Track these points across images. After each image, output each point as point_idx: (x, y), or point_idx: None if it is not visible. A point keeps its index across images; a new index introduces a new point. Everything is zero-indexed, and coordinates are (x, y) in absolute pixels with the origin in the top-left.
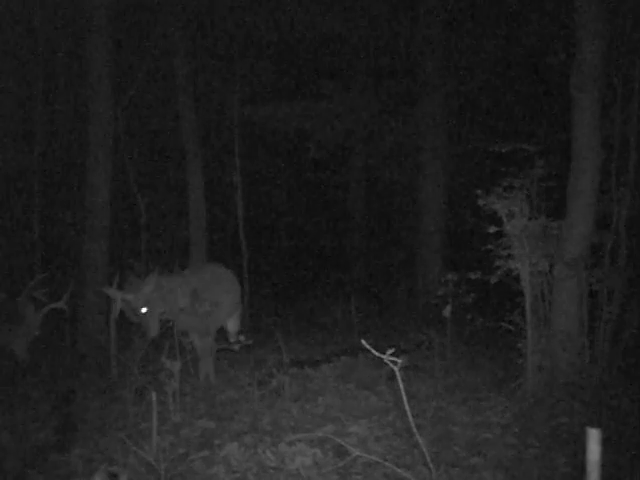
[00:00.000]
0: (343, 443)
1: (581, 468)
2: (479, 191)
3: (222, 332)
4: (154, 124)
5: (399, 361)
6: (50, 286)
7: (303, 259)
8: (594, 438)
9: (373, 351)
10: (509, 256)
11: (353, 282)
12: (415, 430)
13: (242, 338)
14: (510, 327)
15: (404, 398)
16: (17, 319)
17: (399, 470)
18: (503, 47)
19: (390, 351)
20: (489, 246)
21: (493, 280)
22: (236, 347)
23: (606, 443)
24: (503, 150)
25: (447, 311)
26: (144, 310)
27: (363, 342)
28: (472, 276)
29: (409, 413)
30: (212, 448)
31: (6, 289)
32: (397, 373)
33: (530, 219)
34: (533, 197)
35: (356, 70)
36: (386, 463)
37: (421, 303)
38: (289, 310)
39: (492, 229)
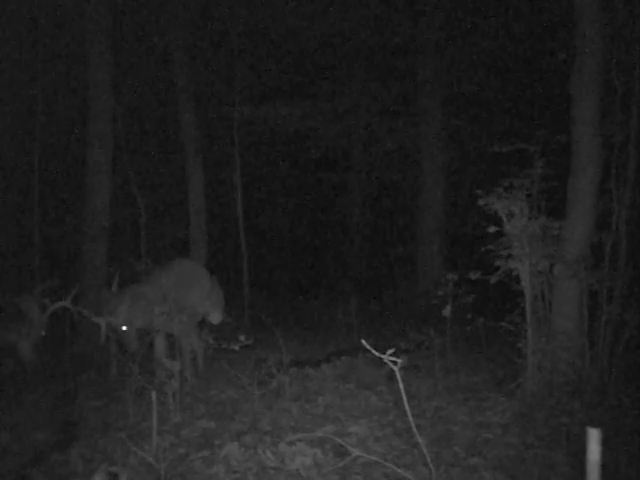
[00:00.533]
0: (343, 443)
1: (581, 468)
2: (479, 191)
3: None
4: (154, 124)
5: (399, 361)
6: (53, 288)
7: (303, 259)
8: (594, 438)
9: (373, 351)
10: (509, 256)
11: (353, 282)
12: (415, 430)
13: (242, 338)
14: (510, 327)
15: (404, 398)
16: (22, 319)
17: (399, 470)
18: (503, 47)
19: (390, 351)
20: (489, 246)
21: (493, 280)
22: (236, 347)
23: (606, 443)
24: (503, 150)
25: (447, 311)
26: (125, 328)
27: (363, 342)
28: (472, 276)
29: (409, 413)
30: (212, 448)
31: (8, 290)
32: (397, 373)
33: (530, 219)
34: (533, 197)
35: (356, 70)
36: (386, 463)
37: (421, 303)
38: (289, 310)
39: (492, 229)
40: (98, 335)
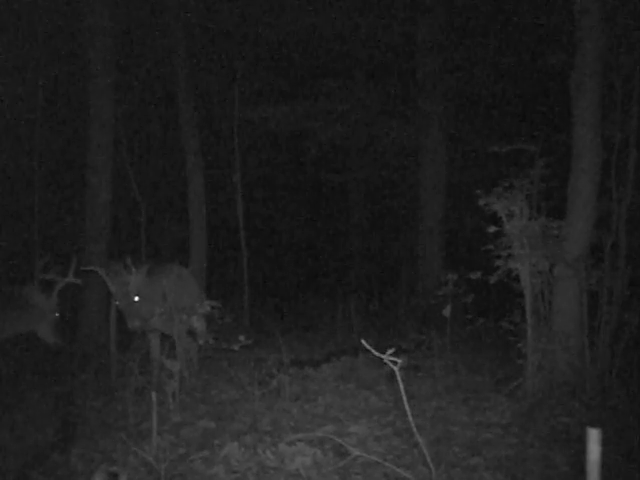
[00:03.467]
0: (343, 443)
1: (581, 468)
2: (479, 191)
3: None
4: (154, 124)
5: (399, 361)
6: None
7: (303, 259)
8: (594, 438)
9: (373, 351)
10: (509, 256)
11: (353, 282)
12: (415, 430)
13: (242, 338)
14: (510, 327)
15: (404, 398)
16: (28, 307)
17: (399, 470)
18: (503, 47)
19: (390, 351)
20: (489, 246)
21: (493, 280)
22: (236, 347)
23: (606, 443)
24: (503, 150)
25: (447, 311)
26: (137, 298)
27: (363, 342)
28: (472, 276)
29: (409, 413)
30: (212, 448)
31: (10, 284)
32: (397, 373)
33: (530, 219)
34: (533, 197)
35: (356, 70)
36: (386, 463)
37: (421, 303)
38: (289, 310)
39: (492, 229)
40: (101, 320)
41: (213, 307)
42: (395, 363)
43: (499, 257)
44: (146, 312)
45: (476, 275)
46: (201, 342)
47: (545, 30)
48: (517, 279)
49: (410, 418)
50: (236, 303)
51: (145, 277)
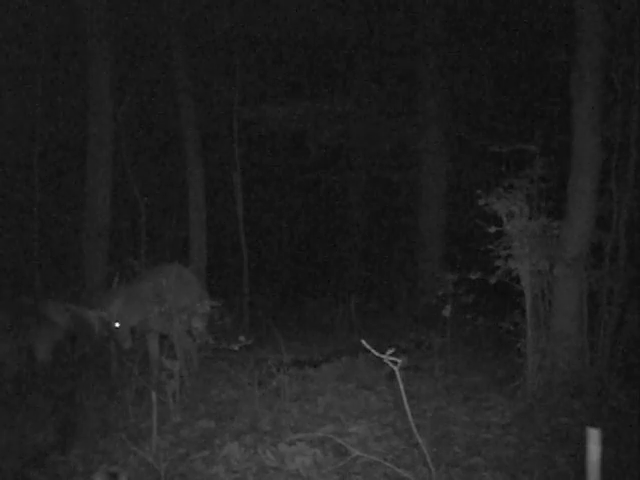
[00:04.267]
0: (343, 443)
1: (581, 468)
2: (479, 191)
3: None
4: (154, 123)
5: (399, 361)
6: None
7: (303, 259)
8: (594, 438)
9: (373, 351)
10: (509, 256)
11: (353, 282)
12: (415, 430)
13: (242, 338)
14: (510, 327)
15: (404, 398)
16: (43, 322)
17: (399, 470)
18: (503, 47)
19: (390, 351)
20: (489, 246)
21: (493, 280)
22: (236, 347)
23: (606, 443)
24: (503, 150)
25: (447, 311)
26: (117, 325)
27: (363, 342)
28: (472, 276)
29: (409, 413)
30: (212, 448)
31: (23, 293)
32: (397, 373)
33: (530, 219)
34: (533, 197)
35: (356, 70)
36: (386, 463)
37: (421, 303)
38: (289, 310)
39: (492, 229)
40: (93, 331)
41: (213, 307)
42: (395, 363)
43: (499, 257)
44: (139, 322)
45: (476, 275)
46: (199, 341)
47: (545, 30)
48: (517, 279)
49: (410, 418)
50: (236, 303)
51: (125, 298)
